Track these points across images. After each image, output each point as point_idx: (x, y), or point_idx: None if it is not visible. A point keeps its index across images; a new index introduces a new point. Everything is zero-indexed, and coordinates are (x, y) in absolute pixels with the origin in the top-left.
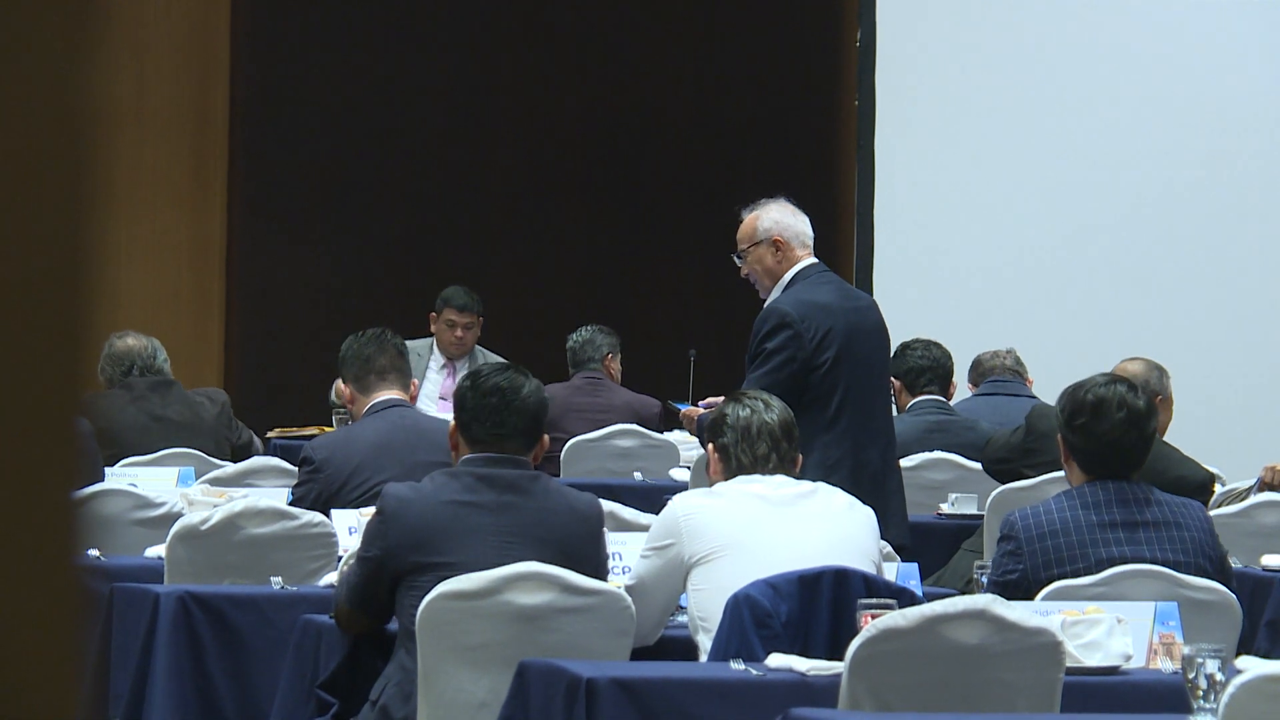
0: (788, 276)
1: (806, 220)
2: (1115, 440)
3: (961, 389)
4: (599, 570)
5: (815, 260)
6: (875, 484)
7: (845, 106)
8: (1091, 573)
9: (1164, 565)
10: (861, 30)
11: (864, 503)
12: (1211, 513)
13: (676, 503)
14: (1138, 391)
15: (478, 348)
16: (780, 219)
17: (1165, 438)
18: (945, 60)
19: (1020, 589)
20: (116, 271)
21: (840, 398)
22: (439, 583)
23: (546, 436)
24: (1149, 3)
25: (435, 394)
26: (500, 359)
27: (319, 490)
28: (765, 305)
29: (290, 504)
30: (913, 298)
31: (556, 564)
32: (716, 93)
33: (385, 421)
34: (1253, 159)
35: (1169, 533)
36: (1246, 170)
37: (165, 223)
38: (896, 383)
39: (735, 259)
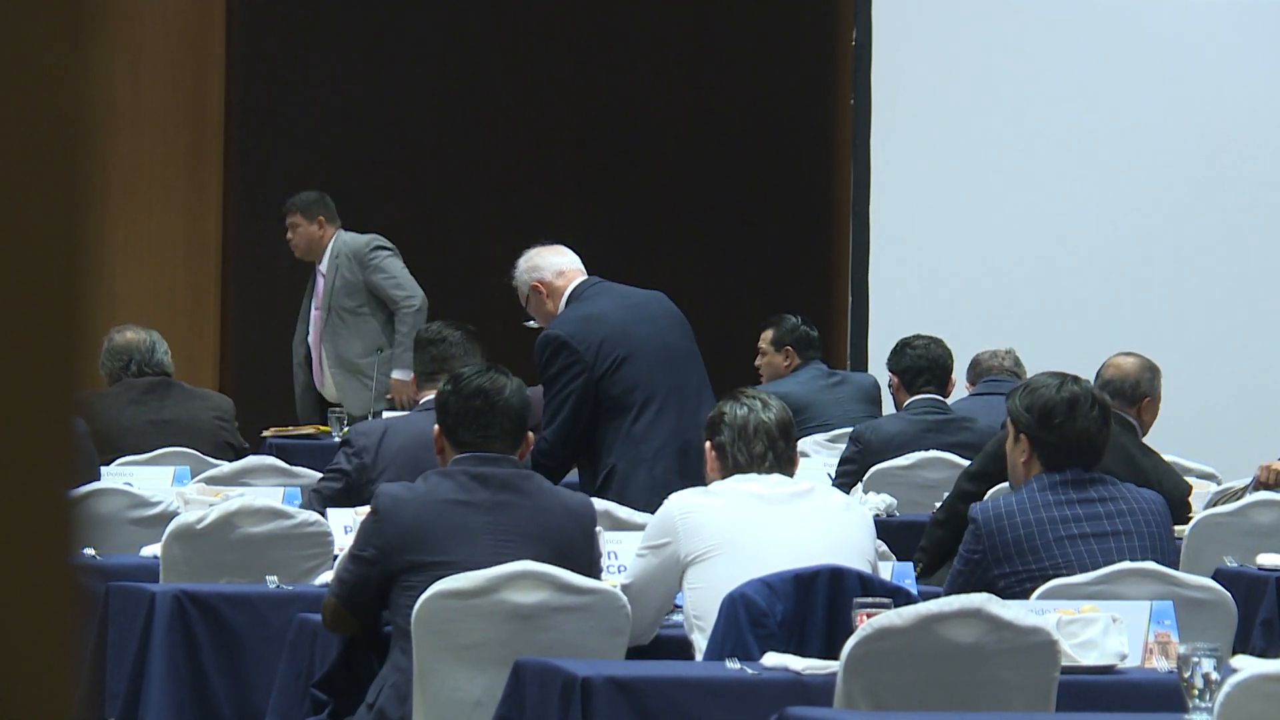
0: (563, 304)
1: (556, 249)
2: (1094, 434)
3: (960, 388)
4: (592, 568)
5: (585, 277)
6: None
7: (841, 106)
8: (1050, 546)
9: (1121, 535)
10: (857, 30)
11: (699, 480)
12: (1207, 512)
13: (673, 501)
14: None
15: (341, 237)
16: (528, 266)
17: (1158, 438)
18: (941, 60)
19: (982, 568)
20: (112, 271)
21: (642, 394)
22: (434, 582)
23: (531, 434)
24: (1145, 1)
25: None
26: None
27: (350, 480)
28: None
29: (322, 476)
30: (908, 297)
31: (551, 562)
32: (712, 92)
33: (426, 421)
34: (1251, 158)
35: (1123, 507)
36: (1245, 170)
37: (161, 222)
38: (895, 379)
39: (530, 326)
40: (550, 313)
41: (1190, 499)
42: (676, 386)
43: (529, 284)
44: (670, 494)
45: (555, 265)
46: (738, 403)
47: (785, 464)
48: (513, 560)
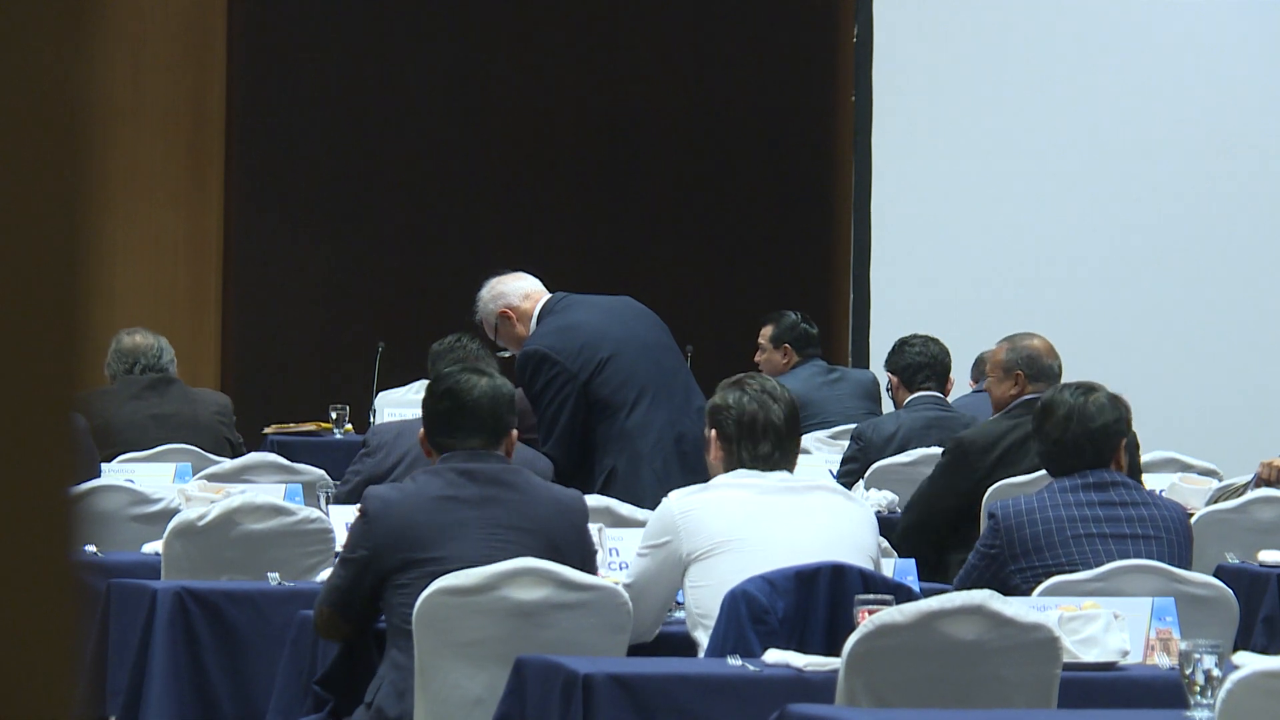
0: (533, 325)
1: (517, 275)
2: (1117, 432)
3: (964, 385)
4: (586, 563)
5: (550, 295)
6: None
7: (842, 102)
8: (1068, 544)
9: (1140, 539)
10: (858, 26)
11: (699, 470)
12: (1208, 508)
13: (673, 500)
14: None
15: None
16: (492, 295)
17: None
18: (942, 55)
19: (998, 563)
20: (113, 268)
21: (632, 390)
22: (427, 579)
23: (515, 431)
24: None
25: None
26: None
27: (367, 475)
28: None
29: (343, 480)
30: (910, 293)
31: (543, 556)
32: (714, 88)
33: None
34: (1254, 155)
35: (1144, 512)
36: (1248, 166)
37: (162, 219)
38: (894, 378)
39: (503, 356)
40: (521, 336)
41: (1191, 502)
42: (663, 379)
43: (496, 312)
44: (674, 488)
45: (520, 289)
46: (744, 393)
47: (790, 460)
48: (504, 554)
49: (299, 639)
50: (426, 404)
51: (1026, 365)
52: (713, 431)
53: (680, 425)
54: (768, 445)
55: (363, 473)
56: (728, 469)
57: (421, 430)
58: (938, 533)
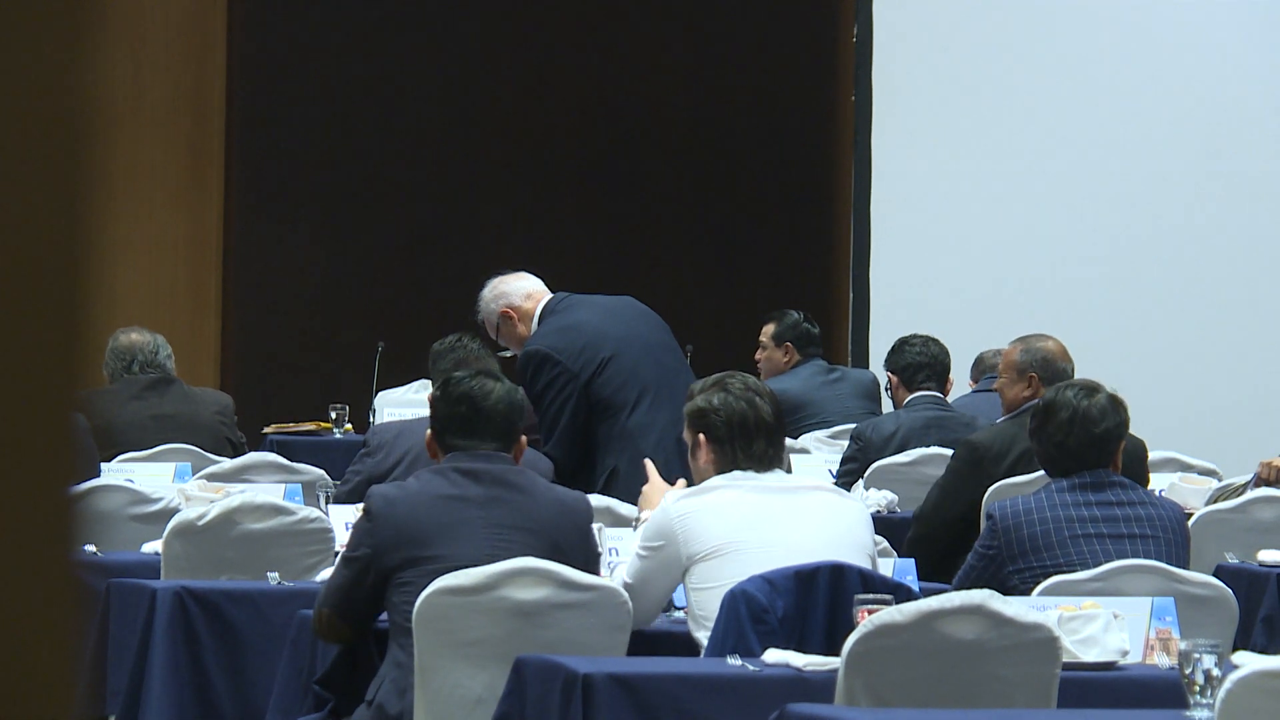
0: (534, 325)
1: (519, 275)
2: (1118, 436)
3: (963, 385)
4: (589, 564)
5: (552, 294)
6: None
7: (842, 102)
8: (1066, 544)
9: (1137, 539)
10: (858, 25)
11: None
12: (1208, 508)
13: (670, 504)
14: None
15: None
16: (494, 294)
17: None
18: (942, 55)
19: (996, 564)
20: (113, 269)
21: (633, 390)
22: (430, 577)
23: (525, 437)
24: None
25: None
26: None
27: (367, 474)
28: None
29: (343, 480)
30: (909, 293)
31: (546, 557)
32: (713, 88)
33: None
34: (1254, 155)
35: (1141, 512)
36: (1248, 165)
37: (162, 219)
38: (894, 378)
39: (505, 355)
40: (522, 336)
41: (1191, 502)
42: (664, 379)
43: (497, 311)
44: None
45: (521, 289)
46: (729, 394)
47: (781, 455)
48: (506, 555)
49: (299, 639)
50: (440, 406)
51: (1041, 368)
52: (700, 436)
53: (682, 425)
54: (761, 443)
55: (363, 472)
56: (720, 471)
57: (429, 432)
58: (947, 543)
